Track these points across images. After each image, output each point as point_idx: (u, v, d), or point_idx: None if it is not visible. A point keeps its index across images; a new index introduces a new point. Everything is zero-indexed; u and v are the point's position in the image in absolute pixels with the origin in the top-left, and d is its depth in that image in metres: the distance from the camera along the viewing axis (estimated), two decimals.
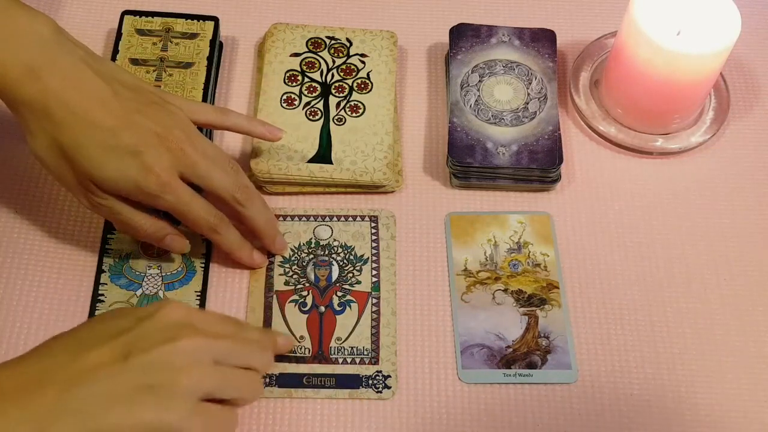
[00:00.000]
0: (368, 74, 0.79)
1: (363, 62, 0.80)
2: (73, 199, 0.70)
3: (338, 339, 0.67)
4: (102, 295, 0.68)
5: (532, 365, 0.67)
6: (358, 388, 0.66)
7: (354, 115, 0.77)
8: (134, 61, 0.77)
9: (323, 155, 0.74)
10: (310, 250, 0.72)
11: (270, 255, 0.71)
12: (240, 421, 0.62)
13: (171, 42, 0.79)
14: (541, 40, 0.80)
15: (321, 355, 0.67)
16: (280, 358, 0.66)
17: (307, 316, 0.68)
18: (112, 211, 0.64)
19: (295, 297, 0.69)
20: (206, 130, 0.74)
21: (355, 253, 0.71)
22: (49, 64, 0.60)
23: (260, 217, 0.68)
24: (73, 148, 0.61)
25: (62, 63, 0.61)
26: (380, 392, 0.66)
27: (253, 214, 0.67)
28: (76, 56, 0.62)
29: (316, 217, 0.73)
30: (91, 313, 0.67)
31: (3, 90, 0.61)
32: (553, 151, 0.74)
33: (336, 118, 0.76)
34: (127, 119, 0.62)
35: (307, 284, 0.70)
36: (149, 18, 0.80)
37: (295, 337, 0.67)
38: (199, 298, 0.69)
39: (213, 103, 0.78)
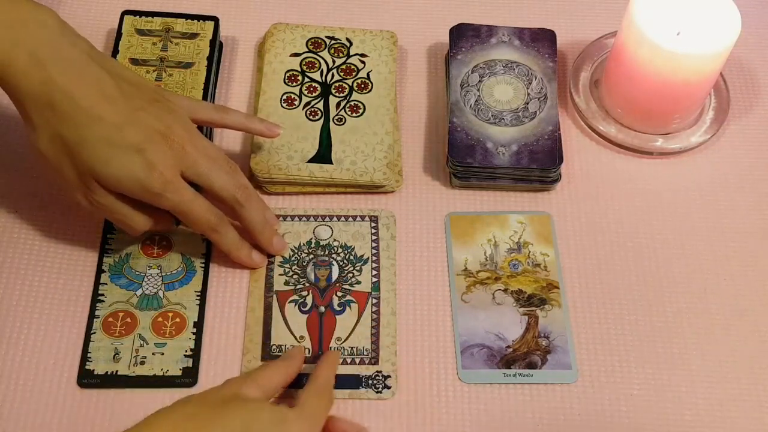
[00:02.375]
0: (368, 74, 0.79)
1: (363, 62, 0.80)
2: (66, 188, 0.70)
3: (338, 339, 0.67)
4: (102, 295, 0.68)
5: (532, 365, 0.67)
6: (358, 388, 0.66)
7: (354, 115, 0.77)
8: (134, 61, 0.77)
9: (323, 155, 0.74)
10: (310, 250, 0.71)
11: (270, 255, 0.71)
12: None
13: (171, 42, 0.79)
14: (541, 40, 0.80)
15: (321, 355, 0.67)
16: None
17: (307, 316, 0.68)
18: (111, 209, 0.64)
19: (295, 297, 0.69)
20: (206, 130, 0.74)
21: (355, 253, 0.71)
22: (54, 55, 0.60)
23: (258, 217, 0.68)
24: (76, 143, 0.60)
25: (67, 55, 0.60)
26: (380, 392, 0.66)
27: (250, 214, 0.67)
28: (81, 50, 0.61)
29: (316, 217, 0.73)
30: (91, 313, 0.67)
31: (7, 81, 0.60)
32: (553, 151, 0.74)
33: (336, 118, 0.76)
34: (132, 116, 0.61)
35: (307, 284, 0.70)
36: (149, 18, 0.80)
37: (296, 338, 0.67)
38: (199, 298, 0.69)
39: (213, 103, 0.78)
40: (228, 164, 0.66)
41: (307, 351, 0.67)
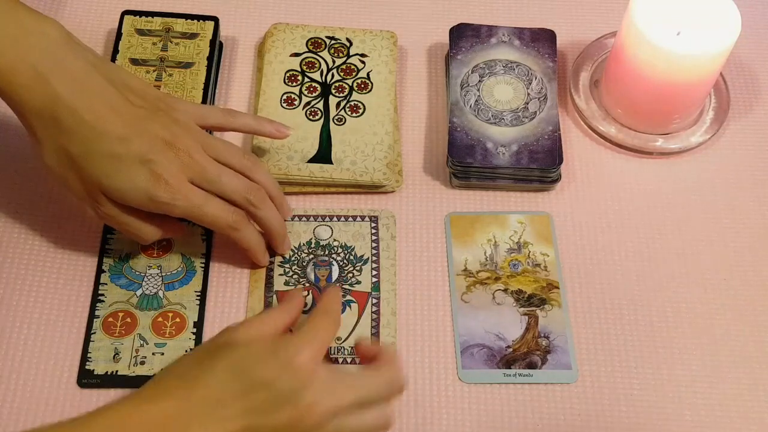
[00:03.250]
0: (368, 74, 0.79)
1: (363, 62, 0.80)
2: (74, 199, 0.70)
3: (338, 339, 0.67)
4: (102, 295, 0.68)
5: (532, 365, 0.67)
6: None
7: (354, 115, 0.77)
8: (134, 61, 0.77)
9: (323, 155, 0.74)
10: (310, 250, 0.71)
11: (271, 255, 0.71)
12: None
13: (171, 42, 0.79)
14: (541, 40, 0.80)
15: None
16: None
17: (307, 316, 0.68)
18: (119, 221, 0.63)
19: None
20: (210, 99, 0.75)
21: (355, 253, 0.71)
22: (57, 69, 0.59)
23: (274, 217, 0.67)
24: (82, 157, 0.60)
25: (71, 67, 0.60)
26: None
27: (266, 214, 0.66)
28: (85, 60, 0.61)
29: (316, 217, 0.73)
30: (91, 313, 0.67)
31: (10, 96, 0.59)
32: (553, 151, 0.74)
33: (336, 118, 0.76)
34: (137, 126, 0.61)
35: (307, 284, 0.70)
36: (149, 18, 0.80)
37: None
38: (199, 298, 0.69)
39: (213, 104, 0.78)
40: (245, 158, 0.65)
41: None
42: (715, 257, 0.73)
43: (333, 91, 0.78)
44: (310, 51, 0.80)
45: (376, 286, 0.70)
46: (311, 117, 0.76)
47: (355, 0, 0.86)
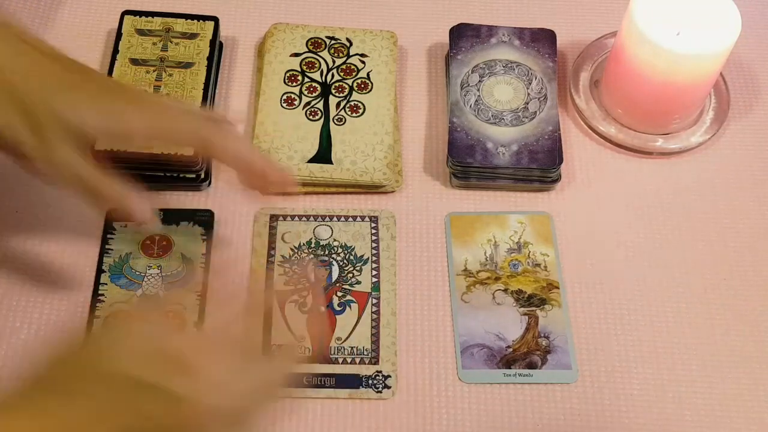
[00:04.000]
0: (368, 74, 0.79)
1: (363, 62, 0.80)
2: (74, 199, 0.70)
3: (338, 339, 0.67)
4: (102, 295, 0.68)
5: (532, 365, 0.67)
6: (358, 388, 0.66)
7: (354, 115, 0.77)
8: (134, 61, 0.77)
9: (323, 155, 0.74)
10: (310, 250, 0.72)
11: (271, 254, 0.71)
12: None
13: (171, 42, 0.79)
14: (541, 40, 0.81)
15: (321, 355, 0.67)
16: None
17: (307, 316, 0.68)
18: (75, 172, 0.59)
19: (295, 297, 0.69)
20: (209, 99, 0.75)
21: (355, 253, 0.71)
22: None
23: (239, 146, 0.62)
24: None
25: None
26: (380, 392, 0.66)
27: (228, 143, 0.61)
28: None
29: (316, 217, 0.73)
30: (91, 313, 0.67)
31: None
32: (553, 151, 0.74)
33: (336, 118, 0.76)
34: None
35: (307, 284, 0.70)
36: (149, 18, 0.80)
37: (296, 338, 0.67)
38: (199, 298, 0.69)
39: (213, 104, 0.78)
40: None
41: (306, 351, 0.67)
42: (715, 257, 0.73)
43: (333, 91, 0.78)
44: (310, 51, 0.80)
45: (376, 286, 0.70)
46: (311, 117, 0.76)
47: (355, 0, 0.86)
